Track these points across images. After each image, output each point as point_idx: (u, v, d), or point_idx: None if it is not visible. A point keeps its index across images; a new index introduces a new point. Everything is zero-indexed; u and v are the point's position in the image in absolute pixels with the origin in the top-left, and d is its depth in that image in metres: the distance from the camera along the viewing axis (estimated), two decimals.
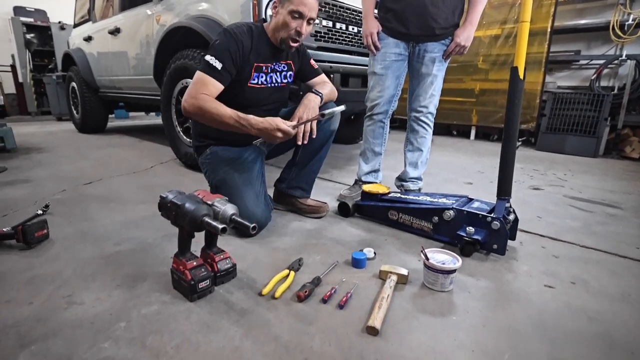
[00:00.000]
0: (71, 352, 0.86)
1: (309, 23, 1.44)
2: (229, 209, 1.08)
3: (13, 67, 6.55)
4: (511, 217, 1.38)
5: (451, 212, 1.41)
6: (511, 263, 1.31)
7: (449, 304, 1.06)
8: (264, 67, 1.51)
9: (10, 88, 6.68)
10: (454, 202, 1.49)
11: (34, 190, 2.07)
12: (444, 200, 1.54)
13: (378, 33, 1.80)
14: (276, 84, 1.58)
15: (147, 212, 1.72)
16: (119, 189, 2.11)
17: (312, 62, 1.71)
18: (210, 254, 1.15)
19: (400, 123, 4.73)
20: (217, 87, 1.37)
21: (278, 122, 1.29)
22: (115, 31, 3.43)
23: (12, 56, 6.52)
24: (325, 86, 1.64)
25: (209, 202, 1.09)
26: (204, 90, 1.34)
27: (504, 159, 1.34)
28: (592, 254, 1.42)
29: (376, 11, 1.88)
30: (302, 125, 1.40)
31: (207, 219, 0.99)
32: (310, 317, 0.99)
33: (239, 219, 1.06)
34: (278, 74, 1.58)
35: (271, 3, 1.54)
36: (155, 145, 3.61)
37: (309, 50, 2.17)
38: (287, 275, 1.18)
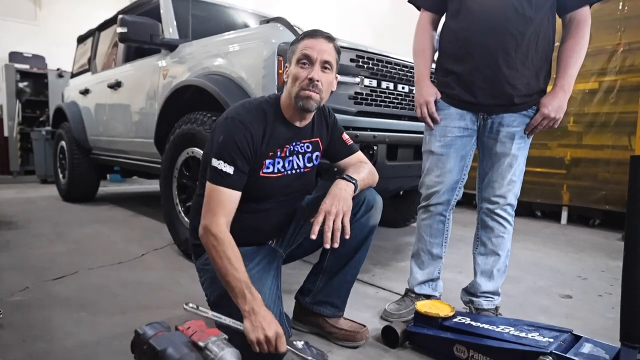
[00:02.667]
0: None
1: (324, 69, 1.39)
2: (228, 356, 0.97)
3: None
4: None
5: (549, 359, 1.22)
6: None
7: None
8: (279, 152, 1.47)
9: None
10: (551, 340, 1.31)
11: None
12: (535, 335, 1.36)
13: (436, 102, 1.75)
14: (298, 170, 1.53)
15: (124, 329, 1.63)
16: (96, 289, 2.07)
17: (345, 137, 1.66)
18: None
19: (463, 198, 4.52)
20: (235, 197, 1.36)
21: (274, 330, 1.21)
22: (115, 85, 3.65)
23: (0, 107, 7.04)
24: (361, 169, 1.57)
25: (201, 344, 0.99)
26: (219, 213, 1.33)
27: (629, 288, 1.17)
28: None
29: (434, 66, 1.86)
30: (330, 223, 1.32)
31: None
32: None
33: None
34: (300, 156, 1.53)
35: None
36: (152, 223, 3.65)
37: (344, 116, 2.18)
38: None
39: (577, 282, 2.42)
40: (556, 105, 1.61)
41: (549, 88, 1.71)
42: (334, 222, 1.33)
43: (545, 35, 1.62)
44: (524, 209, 4.57)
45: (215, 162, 1.34)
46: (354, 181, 1.46)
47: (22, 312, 1.78)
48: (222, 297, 1.41)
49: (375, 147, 2.23)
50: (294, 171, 1.51)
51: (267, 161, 1.45)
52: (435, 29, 1.84)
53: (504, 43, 1.57)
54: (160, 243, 2.94)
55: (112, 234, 3.23)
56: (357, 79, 2.26)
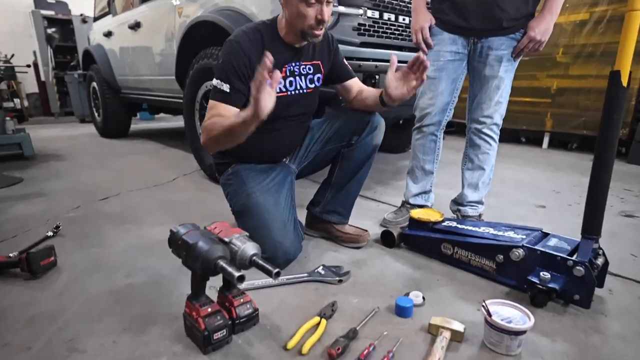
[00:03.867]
0: None
1: (327, 3, 1.33)
2: (249, 248, 1.04)
3: (35, 64, 6.89)
4: (599, 260, 1.24)
5: (520, 251, 1.30)
6: (598, 319, 1.18)
7: None
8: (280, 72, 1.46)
9: (32, 87, 7.02)
10: (523, 237, 1.38)
11: (47, 206, 2.17)
12: (511, 233, 1.43)
13: (430, 28, 1.71)
14: (300, 91, 1.52)
15: (164, 236, 1.70)
16: (137, 206, 2.17)
17: (345, 61, 1.65)
18: (229, 297, 1.12)
19: (457, 127, 4.58)
20: (231, 111, 1.33)
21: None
22: (135, 26, 3.54)
23: (34, 52, 6.84)
24: (371, 92, 1.58)
25: (227, 239, 1.06)
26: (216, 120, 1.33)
27: (594, 189, 1.21)
28: None
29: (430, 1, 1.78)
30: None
31: (222, 263, 0.97)
32: None
33: (260, 262, 1.02)
34: (302, 77, 1.51)
35: None
36: (180, 154, 3.71)
37: (349, 48, 2.13)
38: (318, 324, 1.12)
39: (552, 195, 2.47)
40: (543, 28, 1.56)
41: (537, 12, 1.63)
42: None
43: None
44: (510, 136, 4.55)
45: (215, 82, 1.36)
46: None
47: (77, 225, 1.89)
48: (244, 207, 1.48)
49: (377, 77, 2.20)
50: (296, 91, 1.51)
51: (267, 81, 1.43)
52: None
53: None
54: (188, 169, 3.01)
55: (146, 163, 3.30)
56: (361, 11, 2.16)
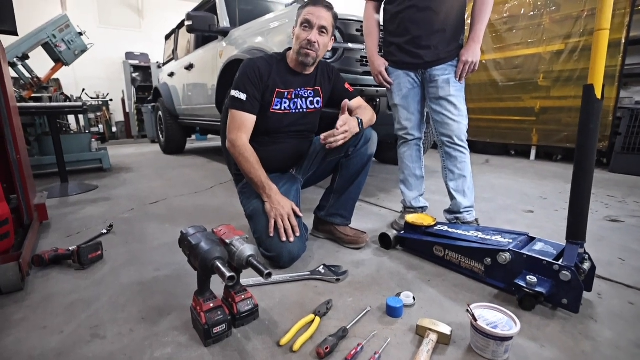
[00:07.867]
0: None
1: (321, 33, 1.32)
2: (247, 250, 0.90)
3: (122, 100, 7.33)
4: (586, 265, 1.02)
5: (507, 255, 1.09)
6: (588, 325, 0.96)
7: None
8: (285, 93, 1.39)
9: (120, 117, 7.49)
10: (510, 241, 1.17)
11: (109, 209, 2.11)
12: (498, 238, 1.22)
13: (387, 69, 1.64)
14: (301, 110, 1.45)
15: None
16: (177, 209, 2.08)
17: (347, 85, 1.55)
18: (232, 293, 0.98)
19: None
20: (250, 119, 1.33)
21: (288, 208, 1.30)
22: (189, 67, 3.56)
23: (122, 91, 7.34)
24: (365, 112, 1.45)
25: (228, 241, 0.93)
26: (241, 130, 1.31)
27: (577, 196, 1.00)
28: None
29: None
30: (340, 137, 1.29)
31: (217, 263, 0.83)
32: None
33: (255, 262, 0.88)
34: (303, 99, 1.44)
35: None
36: (220, 167, 3.64)
37: (353, 76, 2.00)
38: (312, 321, 0.97)
39: (539, 201, 2.20)
40: (471, 52, 1.50)
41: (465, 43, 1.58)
42: (344, 136, 1.30)
43: (458, 8, 1.51)
44: (501, 149, 4.23)
45: (233, 92, 1.33)
46: (360, 120, 1.39)
47: (127, 224, 1.82)
48: (254, 212, 1.36)
49: (377, 100, 2.04)
50: (297, 110, 1.45)
51: (276, 99, 1.37)
52: (378, 12, 1.70)
53: (429, 18, 1.48)
54: (224, 179, 2.93)
55: (193, 174, 3.24)
56: (363, 46, 2.04)
